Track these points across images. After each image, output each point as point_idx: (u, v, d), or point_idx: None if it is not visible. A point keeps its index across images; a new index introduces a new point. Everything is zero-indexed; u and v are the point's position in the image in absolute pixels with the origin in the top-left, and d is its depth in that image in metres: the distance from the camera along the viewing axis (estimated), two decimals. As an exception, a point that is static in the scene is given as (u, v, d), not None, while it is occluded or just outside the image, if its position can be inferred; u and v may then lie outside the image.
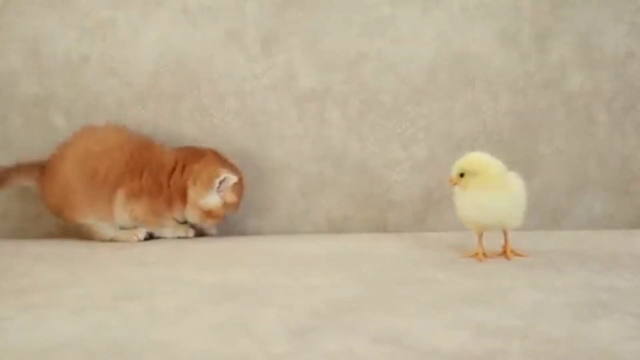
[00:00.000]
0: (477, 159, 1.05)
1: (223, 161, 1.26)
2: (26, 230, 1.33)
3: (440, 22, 1.33)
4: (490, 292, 0.87)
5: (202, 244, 1.21)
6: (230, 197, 1.25)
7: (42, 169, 1.25)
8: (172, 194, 1.23)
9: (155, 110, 1.33)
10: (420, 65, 1.34)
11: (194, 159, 1.24)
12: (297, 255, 1.11)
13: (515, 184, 1.06)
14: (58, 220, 1.27)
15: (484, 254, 1.05)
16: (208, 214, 1.24)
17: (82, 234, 1.26)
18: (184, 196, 1.23)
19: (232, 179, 1.23)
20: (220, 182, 1.22)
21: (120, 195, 1.22)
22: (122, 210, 1.23)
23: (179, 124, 1.33)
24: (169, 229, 1.26)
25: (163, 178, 1.23)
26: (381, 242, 1.22)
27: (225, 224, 1.31)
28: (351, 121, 1.35)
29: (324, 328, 0.72)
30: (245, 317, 0.77)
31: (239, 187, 1.25)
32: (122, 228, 1.25)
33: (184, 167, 1.24)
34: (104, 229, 1.24)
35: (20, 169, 1.25)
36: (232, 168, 1.26)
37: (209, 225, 1.27)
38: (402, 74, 1.34)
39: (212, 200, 1.23)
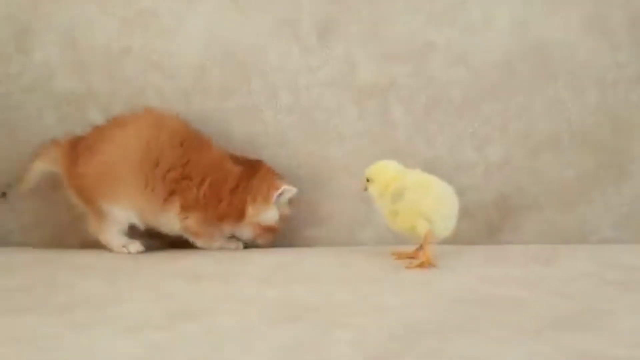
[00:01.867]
0: (376, 166, 1.21)
1: (276, 173, 1.29)
2: (60, 238, 1.37)
3: (517, 7, 1.33)
4: (586, 316, 0.87)
5: (257, 256, 1.23)
6: (285, 210, 1.28)
7: (70, 146, 1.27)
8: (228, 210, 1.26)
9: (200, 107, 1.36)
10: (494, 56, 1.34)
11: (251, 172, 1.28)
12: (362, 270, 1.13)
13: (413, 191, 1.16)
14: (76, 202, 1.29)
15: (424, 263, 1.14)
16: (266, 230, 1.27)
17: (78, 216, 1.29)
18: (240, 213, 1.26)
19: (291, 190, 1.26)
20: (279, 196, 1.26)
21: (175, 203, 1.26)
22: (174, 217, 1.26)
23: (226, 122, 1.36)
24: (218, 242, 1.30)
25: (225, 194, 1.26)
26: (452, 256, 1.22)
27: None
28: (417, 119, 1.36)
29: (405, 354, 0.74)
30: (315, 339, 0.78)
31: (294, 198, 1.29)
32: (148, 229, 1.28)
33: (245, 184, 1.27)
34: (117, 225, 1.26)
35: (34, 155, 1.29)
36: (284, 180, 1.29)
37: (261, 241, 1.30)
38: (474, 66, 1.35)
39: (272, 215, 1.26)
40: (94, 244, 1.35)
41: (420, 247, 1.16)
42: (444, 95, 1.35)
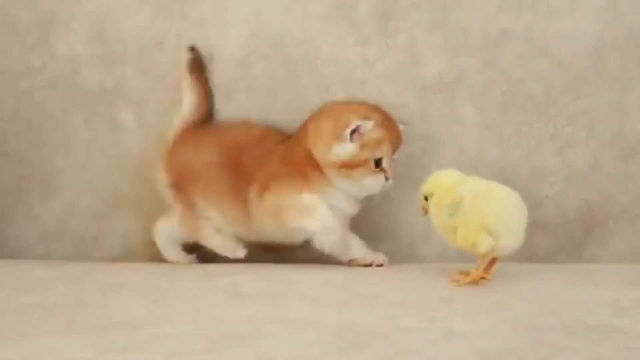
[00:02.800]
0: (431, 179, 1.21)
1: (346, 104, 1.29)
2: (85, 251, 1.41)
3: (607, -11, 1.33)
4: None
5: (305, 273, 1.25)
6: (372, 136, 1.25)
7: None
8: (302, 166, 1.28)
9: (243, 104, 1.39)
10: (581, 45, 1.34)
11: (309, 120, 1.30)
12: (427, 290, 1.13)
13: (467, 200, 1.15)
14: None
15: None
16: (347, 166, 1.25)
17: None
18: (315, 165, 1.27)
19: (368, 124, 1.24)
20: (353, 132, 1.24)
21: (252, 190, 1.29)
22: (259, 212, 1.29)
23: (273, 121, 1.38)
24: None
25: (289, 155, 1.29)
26: (529, 275, 1.22)
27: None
28: (489, 118, 1.36)
29: (483, 388, 0.74)
30: (379, 369, 0.79)
31: (377, 115, 1.27)
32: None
33: (303, 133, 1.29)
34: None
35: None
36: (365, 108, 1.28)
37: (358, 185, 1.27)
38: (557, 57, 1.34)
39: (344, 148, 1.25)
40: (124, 258, 1.39)
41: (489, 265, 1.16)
42: (520, 91, 1.35)
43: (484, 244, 1.13)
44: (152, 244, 1.38)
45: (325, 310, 1.02)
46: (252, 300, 1.07)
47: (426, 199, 1.20)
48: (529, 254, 1.36)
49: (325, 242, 1.26)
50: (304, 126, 1.30)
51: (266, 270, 1.28)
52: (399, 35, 1.36)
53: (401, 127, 1.30)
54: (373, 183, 1.26)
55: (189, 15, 1.39)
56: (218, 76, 1.39)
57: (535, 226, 1.34)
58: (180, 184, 1.34)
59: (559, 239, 1.35)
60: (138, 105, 1.40)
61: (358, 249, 1.31)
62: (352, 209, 1.30)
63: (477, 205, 1.14)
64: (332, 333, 0.92)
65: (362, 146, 1.25)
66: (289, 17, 1.38)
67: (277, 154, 1.31)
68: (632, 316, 0.99)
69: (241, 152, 1.32)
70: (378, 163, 1.26)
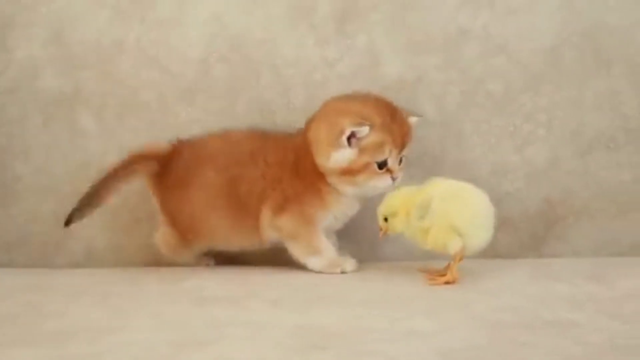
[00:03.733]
0: (386, 202, 1.22)
1: (345, 104, 1.24)
2: (48, 258, 1.40)
3: (564, -13, 1.35)
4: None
5: (269, 276, 1.25)
6: (372, 139, 1.21)
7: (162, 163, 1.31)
8: (315, 181, 1.24)
9: (204, 107, 1.39)
10: (539, 43, 1.35)
11: (309, 123, 1.26)
12: (389, 290, 1.15)
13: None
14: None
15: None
16: (348, 172, 1.22)
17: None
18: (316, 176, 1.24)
19: (364, 130, 1.20)
20: (350, 138, 1.21)
21: (265, 212, 1.27)
22: (271, 230, 1.27)
23: (233, 124, 1.38)
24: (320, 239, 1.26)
25: (301, 164, 1.25)
26: (491, 272, 1.23)
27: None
28: (449, 116, 1.37)
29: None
30: (340, 370, 0.80)
31: (385, 121, 1.22)
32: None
33: (306, 143, 1.25)
34: None
35: (120, 168, 1.30)
36: (364, 108, 1.22)
37: (364, 189, 1.23)
38: (515, 55, 1.36)
39: (342, 154, 1.22)
40: (86, 264, 1.38)
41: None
42: (480, 89, 1.36)
43: (454, 245, 1.15)
44: (116, 249, 1.37)
45: (288, 313, 1.02)
46: (214, 304, 1.07)
47: (385, 220, 1.21)
48: (491, 250, 1.36)
49: (336, 270, 1.26)
50: (306, 130, 1.26)
51: (230, 273, 1.28)
52: (359, 36, 1.37)
53: (414, 119, 1.27)
54: (379, 185, 1.24)
55: (148, 18, 1.39)
56: (178, 79, 1.38)
57: (496, 222, 1.36)
58: (176, 224, 1.32)
59: (520, 235, 1.37)
60: (98, 110, 1.39)
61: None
62: (354, 212, 1.29)
63: (445, 206, 1.16)
64: (293, 335, 0.93)
65: (362, 151, 1.21)
66: (249, 18, 1.38)
67: (287, 166, 1.26)
68: (588, 310, 1.01)
69: (240, 180, 1.27)
70: (382, 165, 1.23)
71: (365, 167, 1.22)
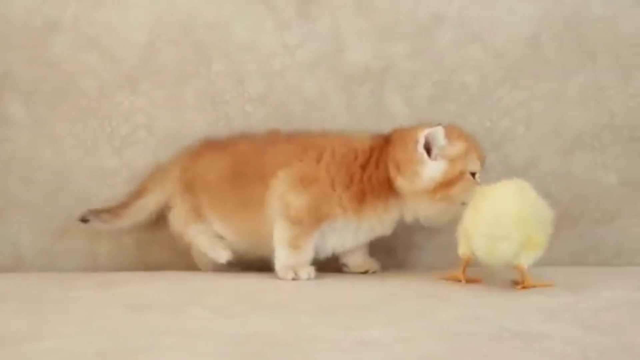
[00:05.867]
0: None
1: (410, 128, 1.27)
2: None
3: (546, -29, 1.36)
4: (618, 353, 0.88)
5: (217, 282, 1.25)
6: (457, 148, 1.24)
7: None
8: (366, 189, 1.26)
9: (149, 96, 1.38)
10: (518, 31, 1.36)
11: (383, 143, 1.28)
12: (348, 298, 1.14)
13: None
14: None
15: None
16: (444, 186, 1.23)
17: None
18: (383, 191, 1.26)
19: (437, 130, 1.22)
20: (427, 146, 1.22)
21: (279, 179, 1.28)
22: (278, 200, 1.28)
23: (181, 115, 1.38)
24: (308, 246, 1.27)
25: (355, 168, 1.27)
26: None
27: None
28: (420, 110, 1.38)
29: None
30: (279, 382, 0.80)
31: (455, 130, 1.25)
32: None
33: (378, 158, 1.27)
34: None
35: (135, 191, 1.37)
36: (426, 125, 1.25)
37: (454, 206, 1.24)
38: (492, 44, 1.37)
39: (432, 169, 1.23)
40: (13, 268, 1.37)
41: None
42: (454, 80, 1.37)
43: (460, 249, 1.20)
44: (45, 252, 1.36)
45: (230, 321, 1.01)
46: (151, 312, 1.07)
47: None
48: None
49: (287, 276, 1.26)
50: (381, 147, 1.28)
51: (174, 278, 1.28)
52: (322, 20, 1.37)
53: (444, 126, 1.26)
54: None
55: (87, -4, 1.38)
56: (121, 64, 1.38)
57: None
58: (191, 186, 1.34)
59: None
60: (28, 96, 1.38)
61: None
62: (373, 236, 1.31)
63: (467, 208, 1.19)
64: (232, 344, 0.92)
65: (451, 161, 1.23)
66: (200, -1, 1.38)
67: (336, 149, 1.29)
68: (560, 321, 1.01)
69: (256, 156, 1.31)
70: (474, 176, 1.24)
71: (459, 176, 1.23)
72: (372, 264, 1.34)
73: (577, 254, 1.36)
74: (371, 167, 1.27)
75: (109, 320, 1.03)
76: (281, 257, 1.27)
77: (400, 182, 1.24)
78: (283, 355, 0.88)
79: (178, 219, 1.35)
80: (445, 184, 1.22)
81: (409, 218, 1.28)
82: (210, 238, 1.33)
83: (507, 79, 1.37)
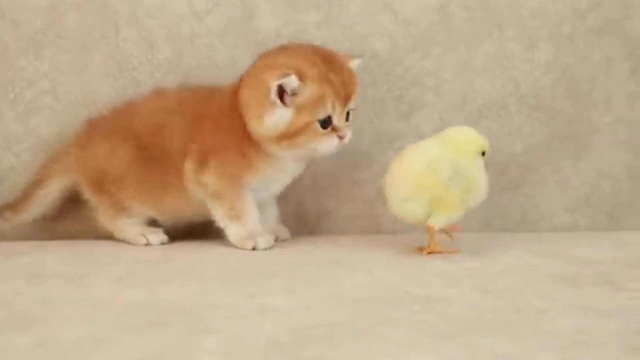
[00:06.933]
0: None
1: (272, 58, 1.21)
2: None
3: (453, -60, 1.37)
4: (512, 316, 0.90)
5: (122, 252, 1.24)
6: (308, 95, 1.16)
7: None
8: (239, 143, 1.21)
9: (53, 61, 1.35)
10: (427, 1, 1.37)
11: (241, 80, 1.22)
12: (254, 265, 1.15)
13: None
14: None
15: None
16: (287, 136, 1.17)
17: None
18: (237, 132, 1.21)
19: (291, 81, 1.15)
20: (280, 93, 1.16)
21: (188, 166, 1.24)
22: (195, 185, 1.24)
23: (87, 81, 1.35)
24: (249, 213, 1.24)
25: (225, 121, 1.22)
26: (370, 248, 1.25)
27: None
28: (331, 78, 1.37)
29: (283, 364, 0.76)
30: (175, 349, 0.79)
31: (313, 68, 1.18)
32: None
33: (235, 97, 1.21)
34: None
35: (35, 181, 1.32)
36: (292, 59, 1.18)
37: (309, 152, 1.21)
38: (402, 13, 1.37)
39: (276, 117, 1.17)
40: None
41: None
42: (364, 49, 1.36)
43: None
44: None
45: (131, 289, 1.01)
46: (51, 281, 1.05)
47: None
48: (375, 226, 1.39)
49: (247, 246, 1.24)
50: (237, 87, 1.22)
51: (78, 248, 1.26)
52: (232, -15, 1.36)
53: (355, 62, 1.24)
54: (324, 147, 1.20)
55: (-14, -45, 1.33)
56: (23, 27, 1.34)
57: (379, 195, 1.38)
58: (100, 184, 1.29)
59: (406, 209, 1.38)
60: None
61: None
62: (297, 173, 1.27)
63: None
64: (132, 312, 0.91)
65: (299, 109, 1.16)
66: (106, -39, 1.35)
67: (208, 119, 1.24)
68: (462, 286, 1.03)
69: (160, 131, 1.26)
70: (326, 123, 1.19)
71: (306, 127, 1.17)
72: (282, 232, 1.33)
73: (484, 221, 1.38)
74: (236, 117, 1.21)
75: (6, 291, 1.02)
76: (231, 233, 1.25)
77: (249, 127, 1.20)
78: (181, 323, 0.88)
79: (104, 220, 1.31)
80: (288, 134, 1.18)
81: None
82: (139, 227, 1.30)
83: (416, 48, 1.37)
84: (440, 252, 1.20)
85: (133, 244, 1.29)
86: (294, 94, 1.16)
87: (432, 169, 1.17)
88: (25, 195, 1.32)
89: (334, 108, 1.18)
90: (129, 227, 1.30)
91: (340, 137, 1.20)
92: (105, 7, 1.35)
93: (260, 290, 1.01)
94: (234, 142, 1.22)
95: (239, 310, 0.92)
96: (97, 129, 1.30)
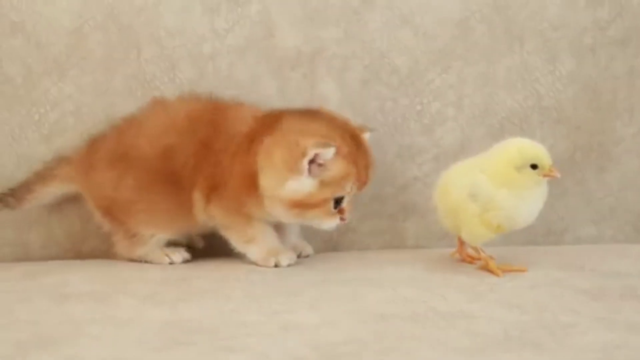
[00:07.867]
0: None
1: (308, 123, 1.18)
2: None
3: (475, -45, 1.36)
4: (539, 331, 0.90)
5: (145, 271, 1.24)
6: (335, 172, 1.15)
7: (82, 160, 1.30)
8: (236, 182, 1.19)
9: (77, 83, 1.35)
10: (447, 15, 1.37)
11: (265, 127, 1.18)
12: (277, 282, 1.14)
13: None
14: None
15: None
16: (301, 206, 1.16)
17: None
18: (248, 183, 1.18)
19: (328, 152, 1.13)
20: (311, 162, 1.14)
21: (197, 196, 1.24)
22: (204, 216, 1.25)
23: (110, 102, 1.35)
24: (264, 241, 1.24)
25: (231, 161, 1.19)
26: (393, 263, 1.25)
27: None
28: (351, 94, 1.37)
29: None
30: (201, 368, 0.80)
31: (351, 150, 1.17)
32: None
33: (252, 143, 1.18)
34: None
35: (41, 176, 1.32)
36: (327, 130, 1.17)
37: (312, 221, 1.19)
38: (422, 28, 1.37)
39: (299, 184, 1.15)
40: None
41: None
42: (384, 64, 1.37)
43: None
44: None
45: (156, 308, 1.01)
46: (77, 300, 1.06)
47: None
48: (398, 239, 1.39)
49: (269, 263, 1.23)
50: (254, 132, 1.20)
51: (102, 267, 1.26)
52: (252, 4, 1.36)
53: (367, 135, 1.24)
54: (327, 225, 1.19)
55: (12, -20, 1.35)
56: (47, 49, 1.35)
57: (403, 209, 1.38)
58: (110, 213, 1.29)
59: (429, 222, 1.38)
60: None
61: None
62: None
63: None
64: (157, 332, 0.92)
65: (322, 183, 1.15)
66: (129, -17, 1.36)
67: (214, 152, 1.22)
68: (485, 301, 1.02)
69: (170, 155, 1.24)
70: (337, 203, 1.17)
71: (322, 202, 1.15)
72: (305, 248, 1.33)
73: (507, 234, 1.35)
74: (240, 154, 1.20)
75: (32, 311, 1.02)
76: (251, 254, 1.24)
77: (262, 180, 1.17)
78: (206, 342, 0.88)
79: (122, 253, 1.30)
80: (304, 204, 1.16)
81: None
82: (160, 251, 1.29)
83: (437, 62, 1.37)
84: (489, 270, 1.18)
85: (157, 264, 1.29)
86: (320, 165, 1.15)
87: (454, 183, 1.19)
88: (29, 189, 1.32)
89: (350, 190, 1.18)
90: (149, 253, 1.29)
91: (342, 219, 1.20)
92: (127, 29, 1.35)
93: (284, 307, 1.01)
94: (236, 185, 1.21)
95: (264, 328, 0.92)
96: (100, 153, 1.29)
